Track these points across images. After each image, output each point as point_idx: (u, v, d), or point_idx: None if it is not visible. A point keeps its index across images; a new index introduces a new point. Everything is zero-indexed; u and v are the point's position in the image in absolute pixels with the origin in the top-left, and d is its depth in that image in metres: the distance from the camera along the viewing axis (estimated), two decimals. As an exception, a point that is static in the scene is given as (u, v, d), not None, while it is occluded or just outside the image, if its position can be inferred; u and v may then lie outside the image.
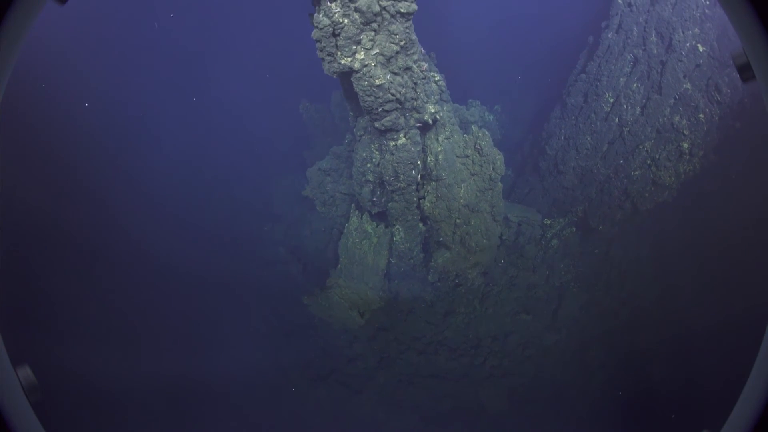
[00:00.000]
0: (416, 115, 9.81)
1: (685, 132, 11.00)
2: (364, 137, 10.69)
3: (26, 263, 10.15)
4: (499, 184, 11.34)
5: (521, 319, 12.08)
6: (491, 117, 13.80)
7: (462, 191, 11.10)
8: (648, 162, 11.50)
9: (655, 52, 10.87)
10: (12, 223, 9.92)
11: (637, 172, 11.63)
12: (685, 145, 10.95)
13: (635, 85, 11.28)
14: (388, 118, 9.42)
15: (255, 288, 12.80)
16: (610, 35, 11.47)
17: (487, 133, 10.77)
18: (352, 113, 10.72)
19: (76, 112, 14.85)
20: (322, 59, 8.63)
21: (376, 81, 8.69)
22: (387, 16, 8.21)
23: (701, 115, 10.87)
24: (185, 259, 12.85)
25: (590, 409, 10.73)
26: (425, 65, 9.36)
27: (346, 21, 8.05)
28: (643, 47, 11.04)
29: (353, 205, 11.89)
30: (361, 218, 11.71)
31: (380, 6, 7.99)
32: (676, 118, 11.06)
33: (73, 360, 9.25)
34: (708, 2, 10.22)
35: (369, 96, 8.93)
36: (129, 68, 17.64)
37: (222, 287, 12.64)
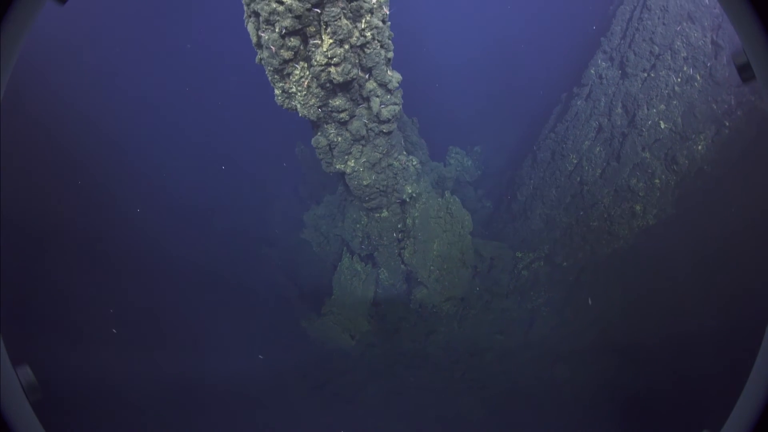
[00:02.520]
0: (396, 195, 10.16)
1: (641, 194, 10.97)
2: (354, 201, 11.17)
3: (26, 263, 9.72)
4: (468, 236, 11.75)
5: (496, 339, 12.85)
6: (469, 162, 13.78)
7: (435, 245, 11.58)
8: (604, 216, 11.64)
9: (619, 123, 10.59)
10: (12, 223, 9.44)
11: (594, 223, 11.79)
12: (638, 208, 11.04)
13: (598, 149, 11.13)
14: (374, 202, 9.85)
15: (254, 307, 13.03)
16: (579, 102, 11.12)
17: (457, 199, 11.06)
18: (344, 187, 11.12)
19: (77, 115, 14.55)
20: (321, 160, 9.02)
21: (364, 182, 9.05)
22: (372, 135, 8.41)
23: (657, 180, 10.83)
24: (186, 265, 12.78)
25: (567, 415, 10.72)
26: (404, 158, 9.59)
27: (339, 139, 8.28)
28: (608, 117, 10.75)
29: (345, 248, 12.56)
30: (352, 259, 12.37)
31: (367, 129, 8.19)
32: (633, 181, 11.01)
33: (73, 360, 8.82)
34: (679, 80, 9.81)
35: (358, 190, 9.34)
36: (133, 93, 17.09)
37: (222, 304, 12.73)
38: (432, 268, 11.80)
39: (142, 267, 12.14)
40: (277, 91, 7.39)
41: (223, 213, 15.83)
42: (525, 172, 12.79)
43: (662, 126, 9.98)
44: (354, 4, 6.25)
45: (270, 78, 7.13)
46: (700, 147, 10.03)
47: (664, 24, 9.32)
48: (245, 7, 6.35)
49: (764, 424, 1.95)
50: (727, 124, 9.54)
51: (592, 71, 10.76)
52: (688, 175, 10.47)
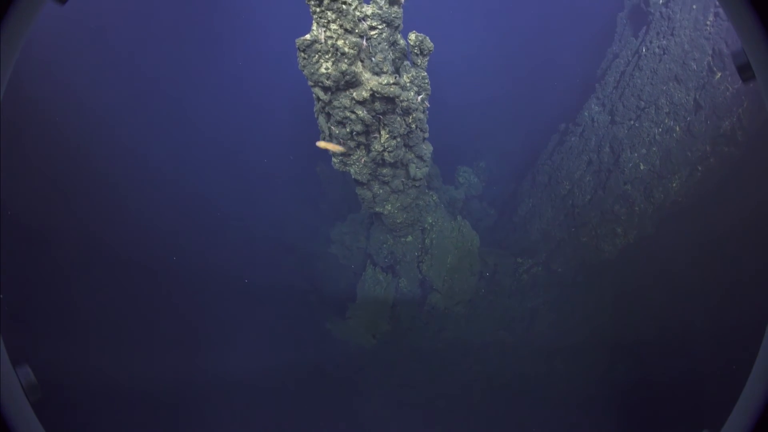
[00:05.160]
0: (419, 224, 11.99)
1: (623, 218, 13.01)
2: (382, 227, 12.95)
3: (27, 263, 9.61)
4: (476, 252, 13.73)
5: (500, 335, 14.82)
6: (476, 179, 15.56)
7: (449, 259, 13.55)
8: (592, 233, 13.67)
9: (606, 160, 12.42)
10: (12, 223, 9.38)
11: (584, 239, 13.83)
12: (619, 230, 13.09)
13: (587, 179, 12.99)
14: (402, 232, 11.70)
15: (275, 311, 13.77)
16: (573, 139, 12.86)
17: (467, 222, 12.93)
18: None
19: (94, 116, 14.75)
20: (362, 203, 10.72)
21: (398, 220, 10.83)
22: (406, 187, 10.10)
23: (636, 208, 12.81)
24: (204, 267, 13.11)
25: (565, 406, 11.42)
26: (427, 197, 11.34)
27: (381, 192, 9.96)
28: (597, 153, 12.55)
29: (369, 260, 14.42)
30: (375, 269, 14.32)
31: (403, 185, 9.87)
32: (616, 207, 12.97)
33: (73, 360, 8.72)
34: (659, 130, 11.54)
35: (392, 226, 11.15)
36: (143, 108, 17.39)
37: (241, 305, 13.25)
38: (445, 277, 13.79)
39: (152, 268, 12.24)
40: (335, 161, 8.96)
41: (240, 217, 16.58)
42: (525, 190, 14.63)
43: (642, 167, 11.82)
44: (404, 104, 7.76)
45: (331, 153, 8.67)
46: (674, 184, 11.95)
47: (651, 84, 10.96)
48: (316, 103, 7.77)
49: (764, 424, 1.93)
50: (700, 168, 11.43)
51: (586, 114, 12.42)
52: (663, 205, 12.45)
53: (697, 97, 10.63)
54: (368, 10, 7.18)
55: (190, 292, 12.73)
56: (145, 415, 9.28)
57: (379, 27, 7.31)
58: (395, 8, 7.31)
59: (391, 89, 6.83)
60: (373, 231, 13.08)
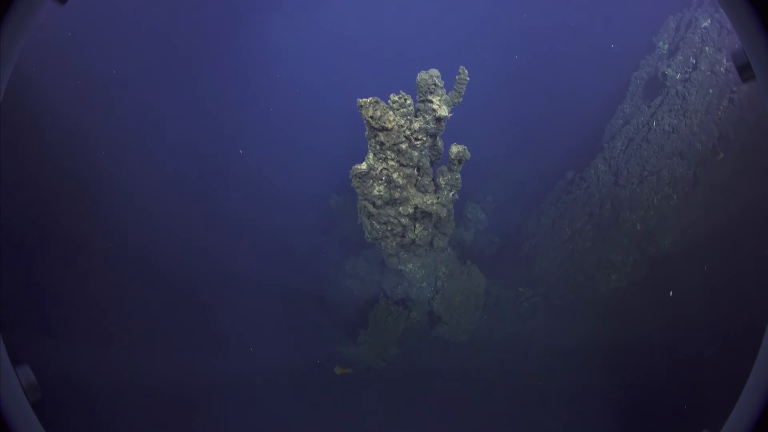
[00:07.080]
0: (433, 273, 13.02)
1: (618, 266, 14.30)
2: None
3: (26, 263, 9.57)
4: (482, 291, 14.90)
5: (499, 358, 16.20)
6: (483, 215, 16.56)
7: (457, 298, 14.72)
8: (589, 275, 14.95)
9: (606, 215, 13.48)
10: (12, 223, 9.31)
11: (581, 280, 15.15)
12: (614, 276, 14.37)
13: (588, 228, 14.11)
14: (419, 280, 12.74)
15: (286, 332, 14.24)
16: (578, 192, 13.90)
17: (475, 266, 14.05)
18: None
19: (85, 115, 14.61)
20: (388, 263, 11.61)
21: (417, 275, 11.83)
22: (428, 253, 11.04)
23: (631, 258, 14.05)
24: (214, 273, 13.45)
25: (566, 410, 11.53)
26: (444, 254, 12.30)
27: (404, 255, 10.89)
28: (599, 207, 13.63)
29: (381, 292, 15.45)
30: (387, 301, 15.41)
31: (426, 252, 10.79)
32: (613, 256, 14.24)
33: (74, 359, 8.70)
34: (658, 196, 12.58)
35: (412, 279, 12.15)
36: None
37: (251, 320, 13.57)
38: (453, 313, 14.99)
39: (158, 271, 12.34)
40: (368, 236, 9.78)
41: (253, 233, 17.15)
42: (530, 229, 15.71)
43: (638, 227, 12.96)
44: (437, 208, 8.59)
45: (367, 231, 9.48)
46: (667, 242, 13.16)
47: (657, 158, 11.92)
48: (359, 205, 8.50)
49: (764, 424, 1.94)
50: (690, 232, 12.61)
51: (593, 171, 13.36)
52: (656, 258, 13.70)
53: (698, 172, 11.63)
54: (416, 125, 7.85)
55: (201, 296, 13.32)
56: (149, 414, 9.38)
57: (423, 138, 8.01)
58: (441, 123, 8.00)
59: (434, 208, 7.64)
60: (389, 273, 14.04)
